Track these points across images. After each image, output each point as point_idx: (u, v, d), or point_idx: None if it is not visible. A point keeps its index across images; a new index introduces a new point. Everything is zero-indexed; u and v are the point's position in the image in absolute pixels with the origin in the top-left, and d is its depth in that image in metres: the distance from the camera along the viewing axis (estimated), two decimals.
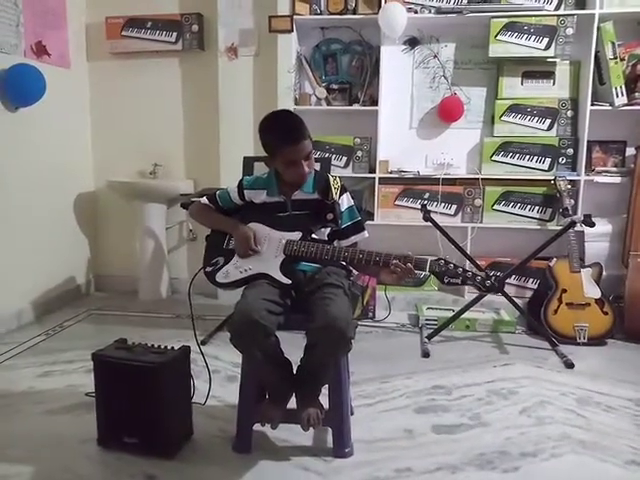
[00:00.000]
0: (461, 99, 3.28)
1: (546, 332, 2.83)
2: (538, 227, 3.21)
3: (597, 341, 2.83)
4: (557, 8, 3.12)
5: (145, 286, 3.61)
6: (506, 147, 3.23)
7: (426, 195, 3.30)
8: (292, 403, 1.84)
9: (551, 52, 3.06)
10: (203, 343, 2.72)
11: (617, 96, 3.00)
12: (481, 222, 3.28)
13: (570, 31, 3.02)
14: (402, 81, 3.35)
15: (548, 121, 3.21)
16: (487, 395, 2.26)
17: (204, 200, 1.96)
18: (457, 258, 2.96)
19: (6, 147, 2.93)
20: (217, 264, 1.86)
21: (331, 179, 1.87)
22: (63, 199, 3.49)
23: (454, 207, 3.30)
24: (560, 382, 2.39)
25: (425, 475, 1.72)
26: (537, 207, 3.21)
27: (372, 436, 1.93)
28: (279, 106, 3.15)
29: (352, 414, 1.98)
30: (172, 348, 1.85)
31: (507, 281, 3.13)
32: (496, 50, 3.09)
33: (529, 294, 3.23)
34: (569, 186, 3.04)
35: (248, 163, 2.93)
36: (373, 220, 3.28)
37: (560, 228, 2.93)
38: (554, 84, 3.21)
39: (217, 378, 2.29)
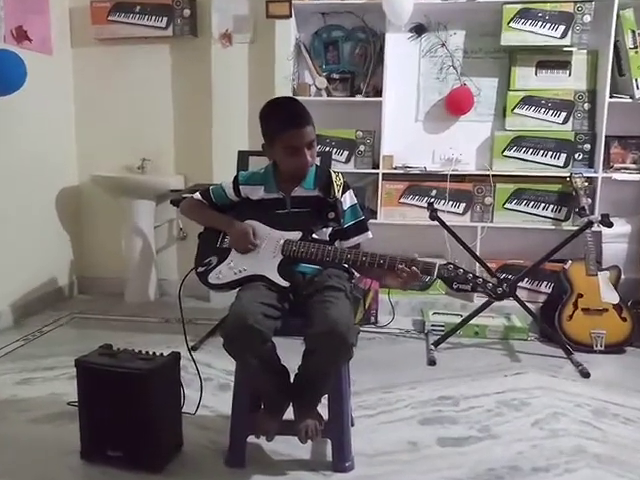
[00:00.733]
0: (471, 90, 3.27)
1: (560, 339, 2.83)
2: (552, 227, 3.22)
3: (615, 349, 2.83)
4: None
5: (132, 288, 3.61)
6: (519, 142, 3.23)
7: (433, 192, 3.30)
8: (289, 414, 1.83)
9: (567, 41, 3.06)
10: (194, 349, 2.72)
11: (637, 88, 3.01)
12: (491, 221, 3.28)
13: (587, 18, 3.02)
14: (408, 71, 3.35)
15: (563, 114, 3.21)
16: (497, 406, 2.26)
17: (197, 196, 1.97)
18: (466, 260, 2.99)
19: None
20: (210, 264, 1.85)
21: (333, 175, 1.87)
22: (45, 194, 3.49)
23: (463, 205, 3.30)
24: (575, 392, 2.39)
25: None
26: (551, 206, 3.21)
27: (374, 449, 1.93)
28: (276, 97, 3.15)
29: (353, 425, 1.99)
30: (161, 354, 1.85)
31: (519, 285, 3.14)
32: (509, 38, 3.09)
33: (542, 299, 3.24)
34: (586, 184, 3.05)
35: (243, 158, 2.93)
36: (376, 219, 3.28)
37: (576, 228, 2.94)
38: (570, 75, 3.21)
39: (209, 386, 2.29)
